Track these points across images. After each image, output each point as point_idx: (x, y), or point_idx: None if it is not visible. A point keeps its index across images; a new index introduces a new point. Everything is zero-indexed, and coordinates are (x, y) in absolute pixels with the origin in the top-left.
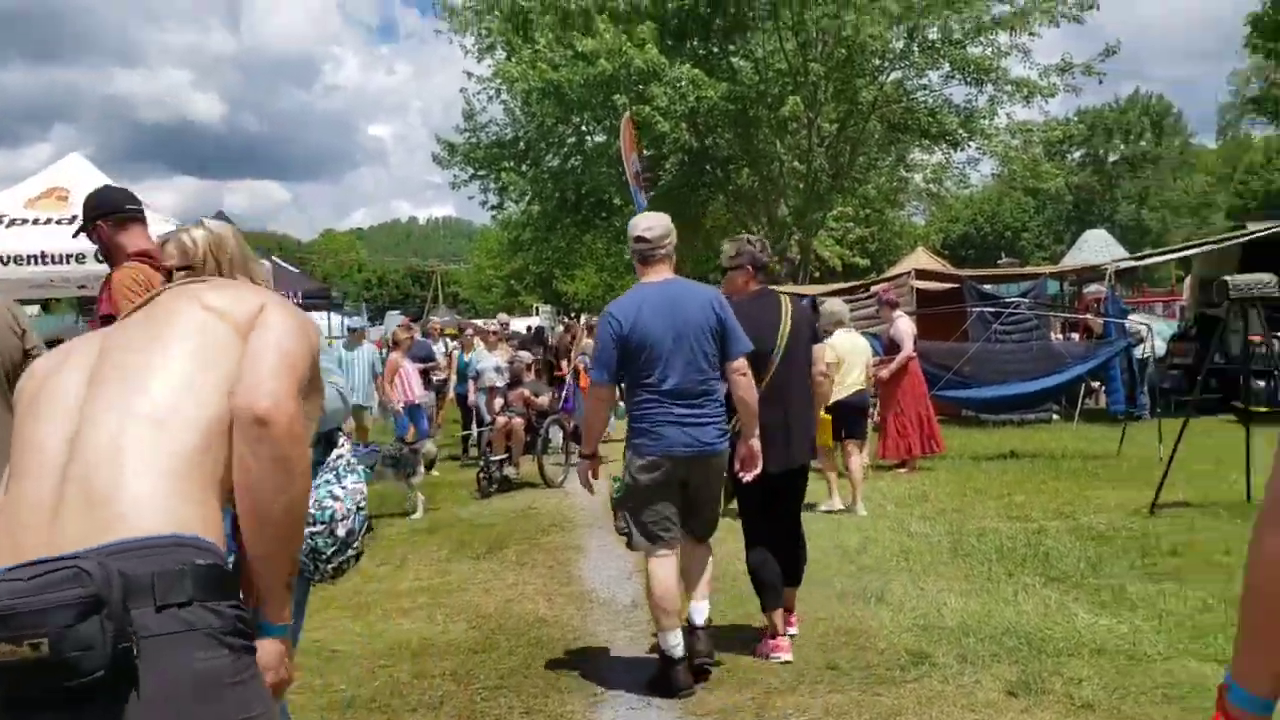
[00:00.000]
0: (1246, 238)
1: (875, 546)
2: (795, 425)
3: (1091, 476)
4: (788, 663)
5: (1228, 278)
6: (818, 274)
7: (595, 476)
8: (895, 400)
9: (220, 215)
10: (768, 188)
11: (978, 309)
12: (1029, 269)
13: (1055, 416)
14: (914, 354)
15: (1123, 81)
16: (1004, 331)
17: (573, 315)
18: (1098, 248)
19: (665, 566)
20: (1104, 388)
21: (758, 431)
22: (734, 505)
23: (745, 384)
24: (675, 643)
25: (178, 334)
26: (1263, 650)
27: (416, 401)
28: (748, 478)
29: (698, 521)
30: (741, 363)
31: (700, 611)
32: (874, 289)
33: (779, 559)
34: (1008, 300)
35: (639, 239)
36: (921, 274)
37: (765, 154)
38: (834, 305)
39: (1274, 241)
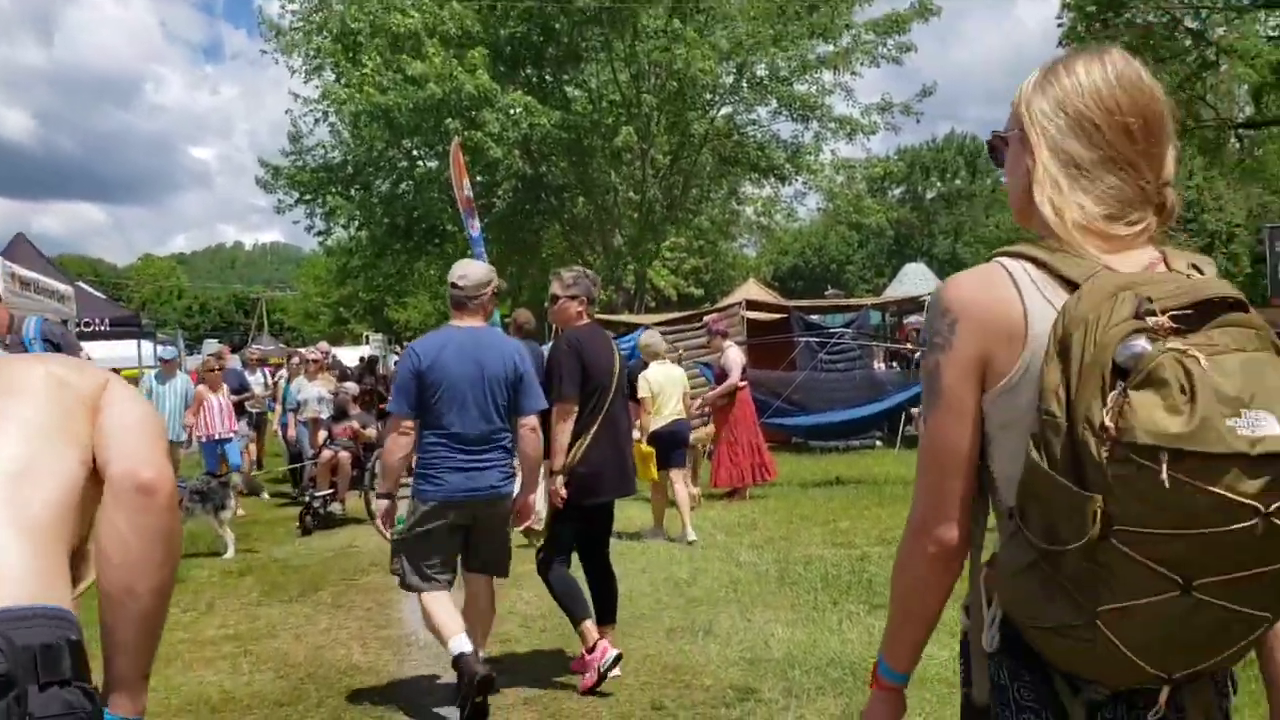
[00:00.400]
0: None
1: (704, 577)
2: (627, 458)
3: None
4: (606, 695)
5: None
6: (653, 303)
7: (390, 524)
8: (728, 428)
9: (19, 239)
10: (603, 217)
11: (805, 339)
12: (853, 300)
13: (879, 443)
14: (742, 383)
15: (939, 122)
16: (829, 361)
17: (405, 344)
18: (917, 280)
19: (439, 599)
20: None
21: (536, 486)
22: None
23: (533, 440)
24: (461, 642)
25: (23, 391)
26: (903, 639)
27: (218, 436)
28: (520, 528)
29: (480, 561)
30: (533, 419)
31: (467, 643)
32: (705, 319)
33: (594, 595)
34: (833, 330)
35: (454, 285)
36: (752, 304)
37: (600, 183)
38: (650, 338)
39: None
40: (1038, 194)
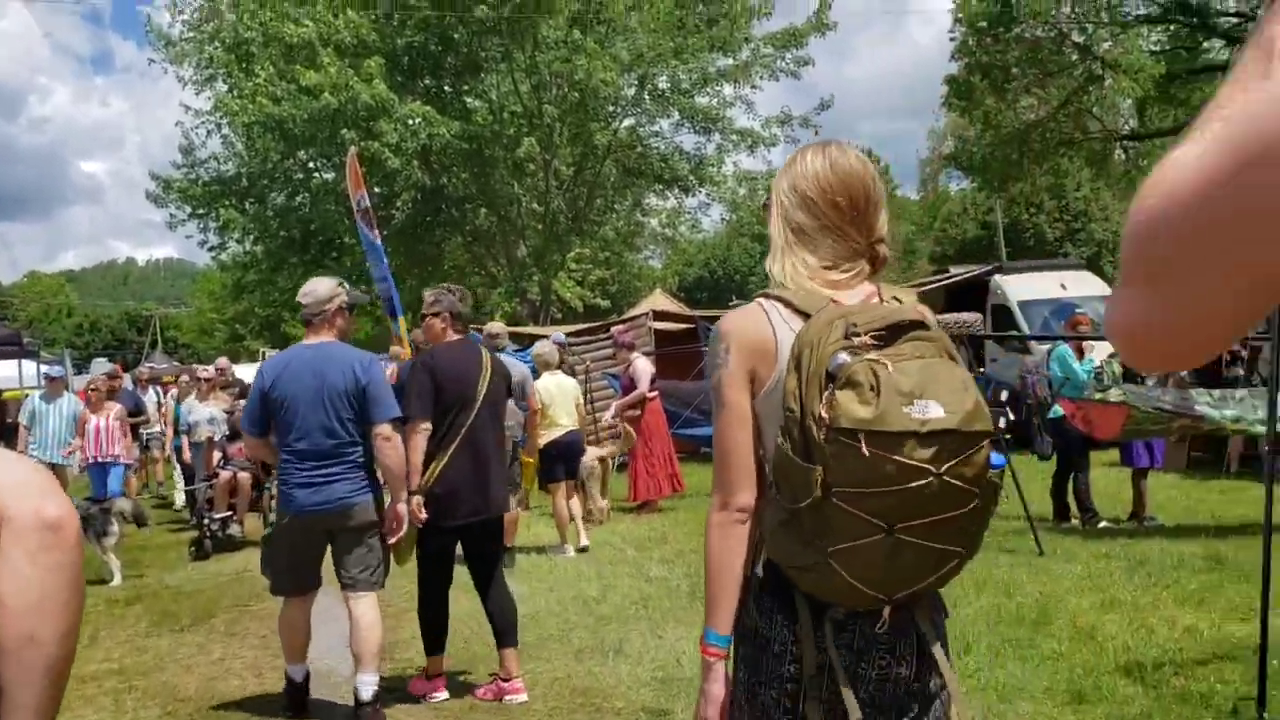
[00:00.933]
0: (949, 280)
1: (614, 594)
2: (492, 475)
3: None
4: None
5: (937, 318)
6: (559, 315)
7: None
8: (642, 440)
9: None
10: (506, 228)
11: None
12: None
13: None
14: (652, 393)
15: (838, 135)
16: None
17: None
18: None
19: (294, 606)
20: None
21: (404, 495)
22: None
23: (388, 449)
24: (294, 674)
25: None
26: (724, 604)
27: (103, 460)
28: (391, 540)
29: (349, 575)
30: (385, 428)
31: (367, 686)
32: (611, 330)
33: (489, 618)
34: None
35: (299, 303)
36: (659, 315)
37: (502, 194)
38: (541, 348)
39: (972, 285)
40: (769, 258)
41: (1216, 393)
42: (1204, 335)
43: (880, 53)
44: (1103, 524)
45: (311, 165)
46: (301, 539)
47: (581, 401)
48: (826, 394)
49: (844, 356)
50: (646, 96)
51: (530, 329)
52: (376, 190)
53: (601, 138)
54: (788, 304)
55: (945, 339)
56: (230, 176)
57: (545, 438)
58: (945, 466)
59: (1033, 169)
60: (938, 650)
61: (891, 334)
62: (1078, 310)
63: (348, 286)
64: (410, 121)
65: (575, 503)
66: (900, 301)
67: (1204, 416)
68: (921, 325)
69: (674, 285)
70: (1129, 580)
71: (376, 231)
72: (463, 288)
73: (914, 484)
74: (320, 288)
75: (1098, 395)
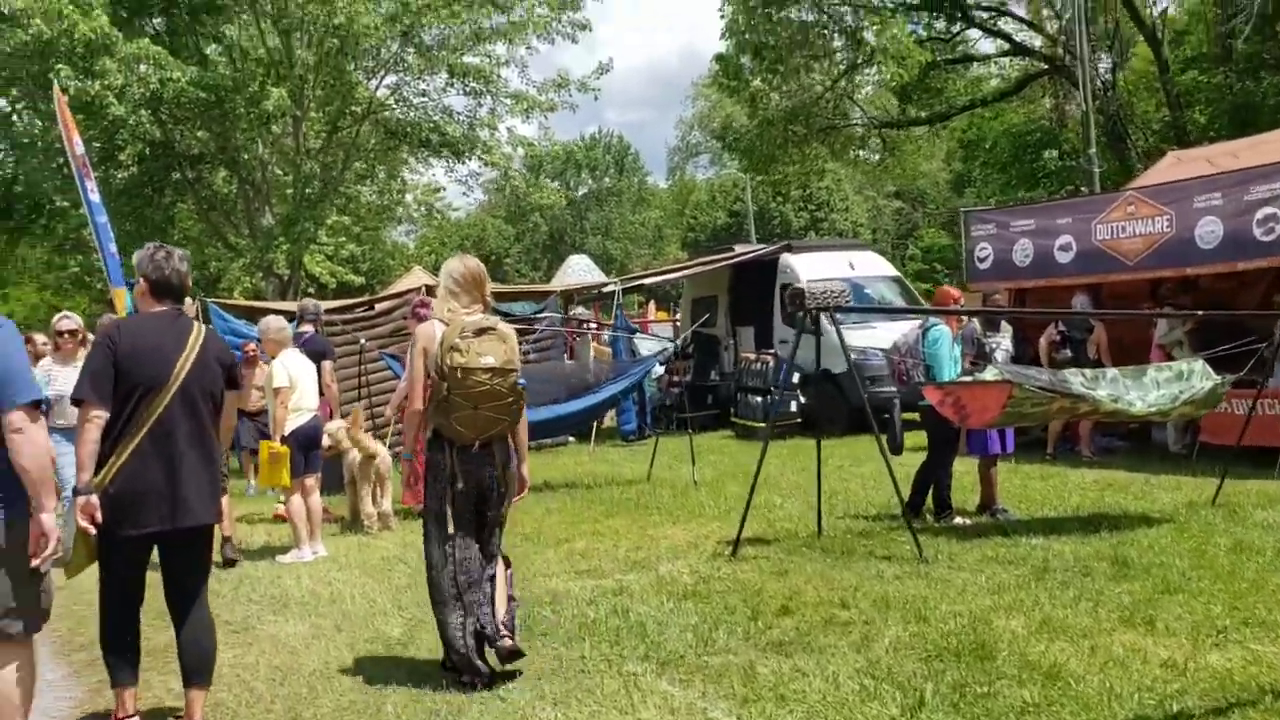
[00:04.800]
0: (736, 259)
1: (425, 635)
2: (187, 478)
3: (643, 510)
4: None
5: (801, 286)
6: (310, 290)
7: None
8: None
9: None
10: (249, 193)
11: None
12: (538, 287)
13: (571, 439)
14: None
15: (588, 123)
16: (526, 352)
17: None
18: (582, 271)
19: None
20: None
21: (49, 505)
22: None
23: (19, 442)
24: None
25: None
26: (407, 442)
27: None
28: (35, 563)
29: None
30: (15, 416)
31: None
32: (411, 300)
33: (180, 649)
34: (540, 317)
35: None
36: (431, 290)
37: (246, 154)
38: (272, 321)
39: (760, 263)
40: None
41: (1089, 372)
42: None
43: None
44: (956, 520)
45: (12, 110)
46: None
47: (331, 383)
48: (447, 355)
49: (458, 340)
50: (412, 51)
51: (280, 305)
52: (96, 145)
53: (362, 92)
54: (448, 323)
55: (501, 331)
56: None
57: (292, 423)
58: (494, 381)
59: (794, 153)
60: (499, 463)
61: (479, 331)
62: (943, 284)
63: None
64: (139, 65)
65: (315, 499)
66: (489, 319)
67: (1082, 396)
68: (491, 329)
69: (430, 265)
70: (1046, 593)
71: (93, 184)
72: (181, 249)
73: (482, 389)
74: None
75: (973, 376)
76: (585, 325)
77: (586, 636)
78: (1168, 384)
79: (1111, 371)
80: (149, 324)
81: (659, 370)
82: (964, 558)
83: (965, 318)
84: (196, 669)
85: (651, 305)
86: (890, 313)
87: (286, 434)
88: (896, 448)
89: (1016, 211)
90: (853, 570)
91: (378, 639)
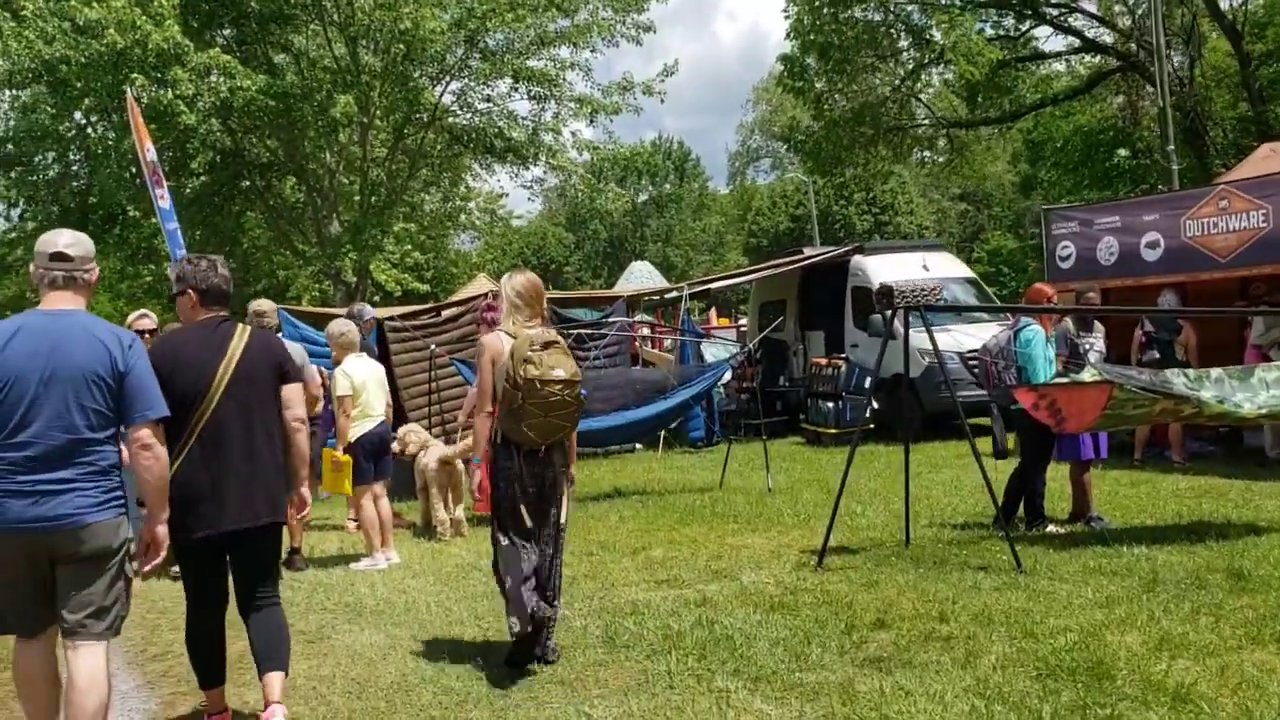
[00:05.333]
0: (808, 261)
1: (501, 645)
2: (235, 482)
3: (719, 518)
4: None
5: (891, 284)
6: (377, 299)
7: None
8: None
9: None
10: (317, 201)
11: (572, 331)
12: (603, 292)
13: (638, 446)
14: None
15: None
16: (594, 358)
17: None
18: (644, 277)
19: (27, 654)
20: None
21: (164, 516)
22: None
23: (147, 458)
24: None
25: None
26: (477, 449)
27: None
28: (145, 569)
29: (72, 618)
30: (145, 433)
31: None
32: (480, 305)
33: (251, 643)
34: (609, 322)
35: (60, 256)
36: (495, 297)
37: (314, 162)
38: (341, 326)
39: (832, 266)
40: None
41: (1192, 372)
42: None
43: (690, 44)
44: (1050, 529)
45: (88, 121)
46: (13, 563)
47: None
48: (522, 367)
49: (530, 353)
50: (477, 56)
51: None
52: (168, 155)
53: (428, 97)
54: (512, 335)
55: (563, 344)
56: None
57: (356, 430)
58: (565, 392)
59: (859, 155)
60: (559, 466)
61: (545, 344)
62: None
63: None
64: (209, 74)
65: (385, 505)
66: (550, 332)
67: (1186, 398)
68: (555, 342)
69: (493, 272)
70: (1159, 607)
71: (164, 190)
72: (219, 257)
73: (554, 399)
74: (83, 241)
75: (1069, 377)
76: (654, 329)
77: (672, 650)
78: (1278, 384)
79: (1216, 371)
80: (191, 335)
81: (727, 376)
82: (1064, 568)
83: (1060, 317)
84: (268, 656)
85: (713, 312)
86: (980, 311)
87: (352, 441)
88: (1001, 452)
89: (1100, 208)
90: (947, 582)
91: (456, 650)
